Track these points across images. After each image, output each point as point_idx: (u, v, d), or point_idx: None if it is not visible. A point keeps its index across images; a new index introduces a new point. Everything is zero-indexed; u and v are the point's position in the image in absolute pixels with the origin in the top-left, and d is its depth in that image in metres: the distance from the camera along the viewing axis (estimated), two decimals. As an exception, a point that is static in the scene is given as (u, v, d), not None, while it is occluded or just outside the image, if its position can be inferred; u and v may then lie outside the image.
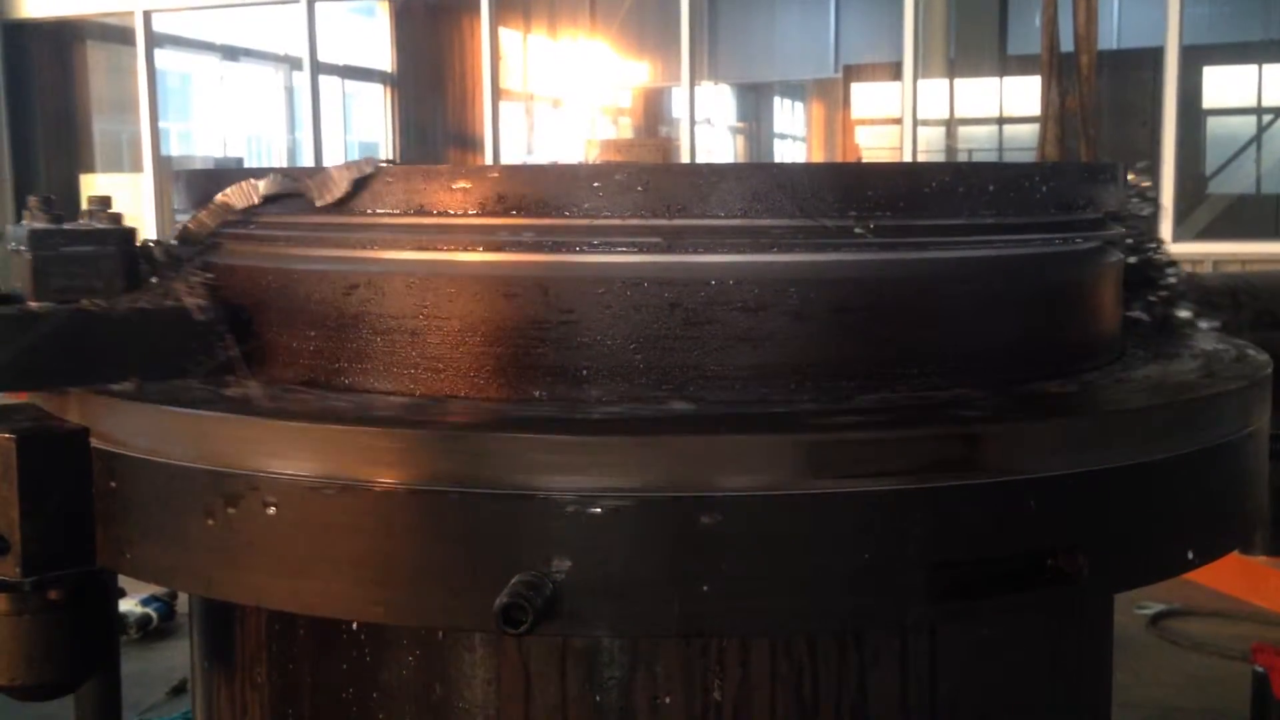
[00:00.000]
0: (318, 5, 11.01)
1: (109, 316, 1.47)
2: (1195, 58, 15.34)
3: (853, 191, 1.40)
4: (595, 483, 1.23)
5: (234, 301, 1.53)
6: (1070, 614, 1.60)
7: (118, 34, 12.14)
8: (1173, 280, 1.90)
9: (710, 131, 21.15)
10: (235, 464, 1.32)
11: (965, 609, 1.35)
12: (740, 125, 24.48)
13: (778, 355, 1.38)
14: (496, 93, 10.53)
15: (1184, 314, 1.89)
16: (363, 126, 16.60)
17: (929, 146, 14.70)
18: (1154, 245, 1.92)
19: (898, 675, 1.43)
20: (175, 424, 1.39)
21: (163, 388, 1.45)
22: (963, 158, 16.29)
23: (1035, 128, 9.71)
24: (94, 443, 1.44)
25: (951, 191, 1.45)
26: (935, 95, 14.41)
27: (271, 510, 1.30)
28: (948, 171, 1.47)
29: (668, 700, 1.39)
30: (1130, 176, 1.92)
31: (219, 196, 1.54)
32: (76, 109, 12.57)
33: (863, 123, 19.96)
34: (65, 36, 12.43)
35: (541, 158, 16.49)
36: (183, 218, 1.66)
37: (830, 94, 21.58)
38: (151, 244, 1.66)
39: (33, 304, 1.48)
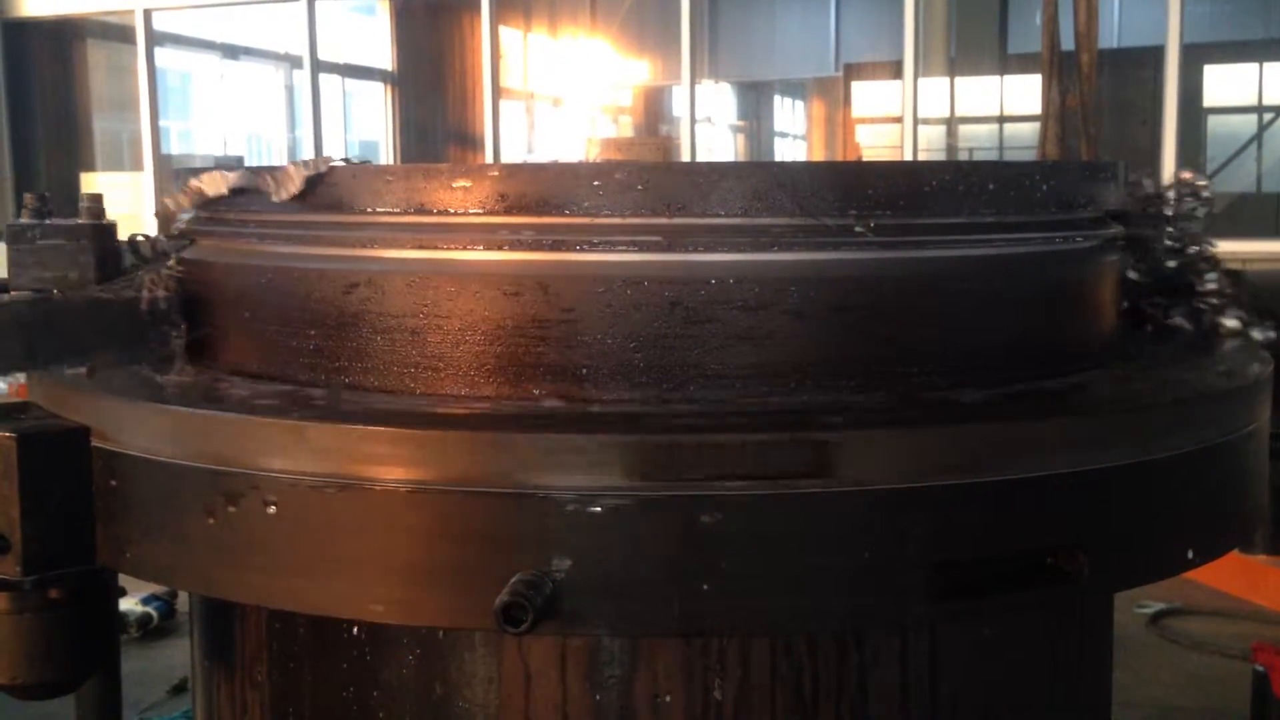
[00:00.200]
0: (318, 4, 11.01)
1: (66, 305, 1.57)
2: (1196, 56, 15.34)
3: (853, 190, 1.41)
4: (595, 482, 1.23)
5: (192, 293, 1.60)
6: (1070, 613, 1.60)
7: (118, 32, 12.13)
8: (1213, 286, 1.80)
9: (711, 130, 21.14)
10: (235, 463, 1.33)
11: (965, 608, 1.35)
12: (741, 124, 24.47)
13: (778, 354, 1.38)
14: (497, 91, 10.53)
15: (1231, 323, 1.79)
16: (363, 125, 16.60)
17: (930, 145, 14.70)
18: (1199, 248, 1.81)
19: (898, 674, 1.43)
20: (176, 423, 1.39)
21: (113, 374, 1.52)
22: (963, 156, 16.29)
23: (1036, 126, 9.70)
24: (94, 442, 1.44)
25: (951, 190, 1.45)
26: (936, 94, 14.40)
27: (272, 509, 1.30)
28: (948, 170, 1.47)
29: (668, 699, 1.39)
30: (1185, 175, 1.85)
31: (193, 181, 1.60)
32: (77, 107, 12.57)
33: (863, 121, 19.96)
34: (66, 35, 12.43)
35: (542, 156, 16.48)
36: (185, 216, 1.70)
37: (831, 92, 21.58)
38: (140, 239, 1.73)
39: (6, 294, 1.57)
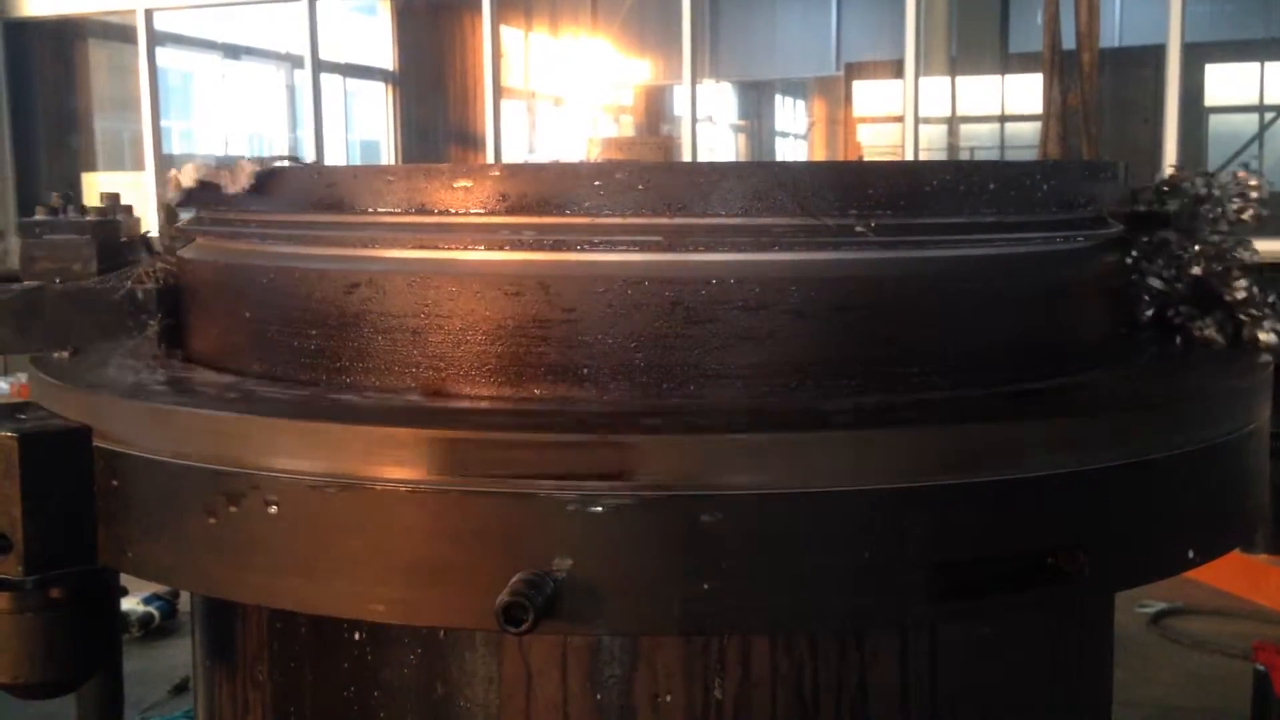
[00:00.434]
0: (319, 3, 11.01)
1: (54, 294, 1.72)
2: (1197, 55, 15.32)
3: (853, 190, 1.41)
4: (596, 481, 1.23)
5: (192, 292, 1.68)
6: (1070, 613, 1.60)
7: (119, 32, 12.13)
8: (1243, 295, 1.68)
9: (712, 129, 21.13)
10: (237, 463, 1.33)
11: (965, 608, 1.35)
12: (742, 123, 24.46)
13: (778, 354, 1.38)
14: (498, 91, 10.53)
15: (1268, 337, 1.67)
16: (364, 125, 16.59)
17: (931, 145, 14.69)
18: (1229, 252, 1.69)
19: (898, 674, 1.43)
20: (176, 423, 1.39)
21: (113, 373, 1.59)
22: (965, 156, 16.28)
23: (1037, 125, 9.69)
24: (96, 442, 1.44)
25: (952, 190, 1.45)
26: (937, 93, 14.39)
27: (273, 509, 1.31)
28: (948, 170, 1.47)
29: (668, 698, 1.39)
30: (1240, 174, 1.77)
31: (171, 172, 1.68)
32: (78, 107, 12.56)
33: (864, 120, 19.95)
34: (67, 35, 12.42)
35: (543, 156, 16.48)
36: (185, 215, 1.73)
37: (832, 92, 21.56)
38: (154, 235, 1.88)
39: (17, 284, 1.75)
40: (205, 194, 1.63)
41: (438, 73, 16.33)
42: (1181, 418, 1.44)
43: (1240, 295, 1.67)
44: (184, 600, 5.01)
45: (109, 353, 1.73)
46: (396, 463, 1.26)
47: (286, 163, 1.59)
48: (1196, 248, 1.70)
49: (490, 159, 10.34)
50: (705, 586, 1.23)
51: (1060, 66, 8.64)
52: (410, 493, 1.26)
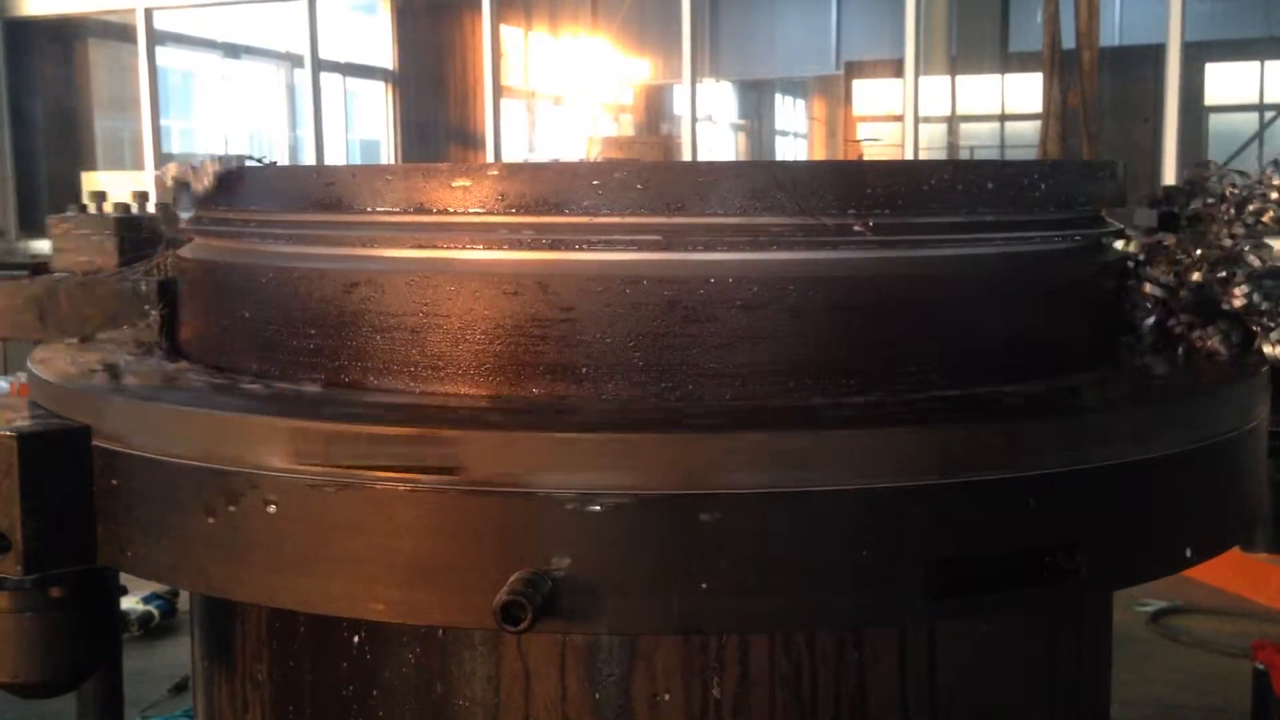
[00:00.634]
0: (319, 3, 11.00)
1: (71, 285, 1.87)
2: (1197, 54, 15.32)
3: (852, 189, 1.41)
4: (595, 480, 1.23)
5: (192, 292, 1.73)
6: (1069, 611, 1.60)
7: (119, 31, 12.12)
8: (1241, 301, 1.57)
9: (712, 129, 21.12)
10: (236, 462, 1.33)
11: (963, 606, 1.35)
12: (742, 122, 24.45)
13: (776, 353, 1.38)
14: (498, 90, 10.51)
15: (1273, 350, 1.58)
16: (364, 124, 16.58)
17: (930, 144, 14.67)
18: (1247, 259, 1.58)
19: (896, 672, 1.43)
20: (176, 422, 1.39)
21: (113, 372, 1.62)
22: (965, 155, 16.27)
23: (1037, 124, 9.70)
24: (95, 441, 1.44)
25: (950, 189, 1.45)
26: (937, 92, 14.38)
27: (272, 508, 1.31)
28: (946, 169, 1.47)
29: (667, 697, 1.39)
30: (1267, 172, 1.67)
31: (156, 173, 1.78)
32: (78, 106, 12.55)
33: (864, 119, 19.94)
34: (67, 34, 12.41)
35: (543, 155, 16.48)
36: (185, 214, 1.74)
37: (832, 91, 21.56)
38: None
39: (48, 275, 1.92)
40: (244, 200, 1.66)
41: (438, 72, 16.32)
42: (1179, 416, 1.44)
43: (1239, 303, 1.57)
44: (184, 599, 5.00)
45: (111, 349, 1.75)
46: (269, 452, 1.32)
47: (249, 162, 1.65)
48: (1198, 251, 1.60)
49: (490, 158, 10.34)
50: (703, 586, 1.23)
51: (1060, 65, 8.64)
52: (409, 491, 1.26)
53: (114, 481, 1.42)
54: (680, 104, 13.40)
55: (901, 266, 1.42)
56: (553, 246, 1.39)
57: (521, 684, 1.40)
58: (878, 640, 1.41)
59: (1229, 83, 18.30)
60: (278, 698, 1.55)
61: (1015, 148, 17.34)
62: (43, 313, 1.87)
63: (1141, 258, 1.66)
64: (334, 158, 14.09)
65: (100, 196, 2.10)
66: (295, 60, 13.08)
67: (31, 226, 11.42)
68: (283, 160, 15.61)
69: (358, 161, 16.58)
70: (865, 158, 15.78)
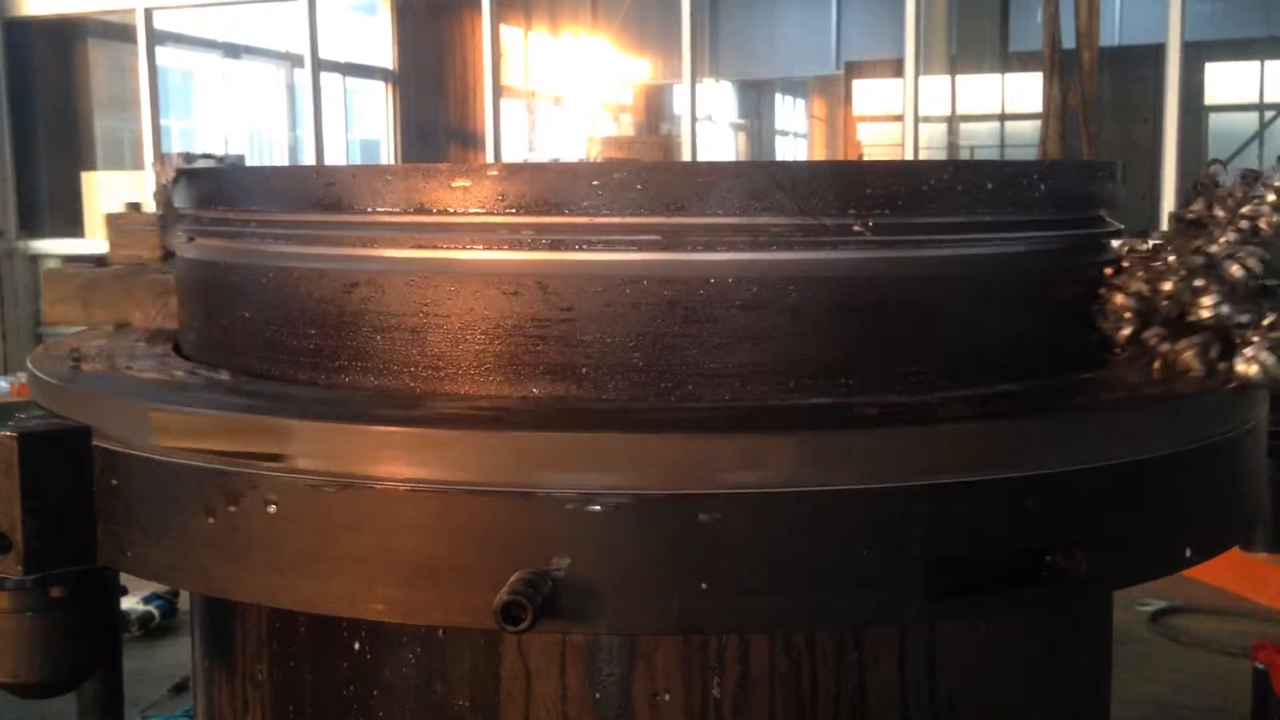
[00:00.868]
0: (319, 3, 11.00)
1: (109, 275, 2.04)
2: (1197, 54, 15.33)
3: (851, 189, 1.41)
4: (595, 480, 1.23)
5: (193, 292, 1.76)
6: (1069, 611, 1.60)
7: (119, 31, 12.11)
8: (1209, 313, 1.42)
9: (712, 129, 21.13)
10: (236, 462, 1.33)
11: (963, 606, 1.35)
12: (742, 122, 24.46)
13: (776, 353, 1.38)
14: (498, 90, 10.51)
15: (1246, 368, 1.40)
16: (364, 124, 16.59)
17: (930, 143, 14.68)
18: (1226, 268, 1.42)
19: (897, 672, 1.43)
20: (176, 423, 1.39)
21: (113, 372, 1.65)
22: (965, 154, 16.28)
23: (1037, 124, 9.70)
24: (95, 441, 1.44)
25: (949, 189, 1.45)
26: (937, 92, 14.39)
27: (272, 508, 1.31)
28: (945, 169, 1.47)
29: (667, 697, 1.39)
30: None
31: (156, 167, 1.95)
32: (78, 106, 12.55)
33: (864, 119, 19.95)
34: (66, 34, 12.40)
35: (543, 155, 16.47)
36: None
37: (832, 91, 21.56)
38: None
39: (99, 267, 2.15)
40: (243, 200, 1.67)
41: (438, 72, 16.33)
42: (1179, 416, 1.44)
43: (1205, 314, 1.42)
44: (184, 599, 5.00)
45: (112, 349, 1.75)
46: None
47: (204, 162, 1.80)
48: (1172, 258, 1.47)
49: (490, 158, 10.34)
50: (703, 586, 1.23)
51: (1060, 65, 8.65)
52: (410, 492, 1.26)
53: (114, 481, 1.43)
54: (680, 104, 13.41)
55: (902, 267, 1.42)
56: (552, 247, 1.40)
57: (522, 684, 1.41)
58: (878, 640, 1.42)
59: (1229, 83, 18.31)
60: (278, 698, 1.55)
61: (1015, 148, 17.35)
62: (86, 303, 2.04)
63: (1114, 265, 1.55)
64: (334, 158, 14.09)
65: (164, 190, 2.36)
66: (295, 60, 13.08)
67: (31, 226, 11.42)
68: (283, 160, 15.62)
69: (358, 161, 16.59)
70: (865, 158, 15.78)
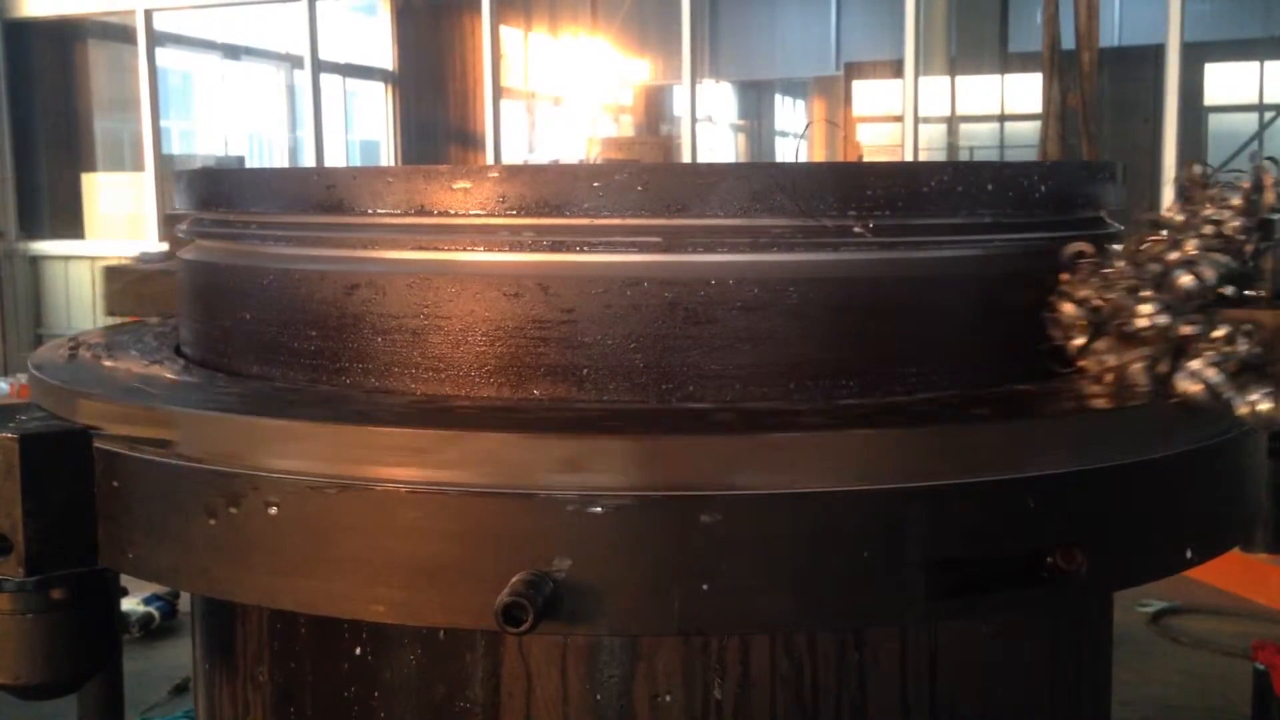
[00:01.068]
0: (319, 4, 11.00)
1: (157, 271, 2.35)
2: (1196, 55, 15.32)
3: (852, 191, 1.41)
4: (596, 481, 1.23)
5: (194, 293, 1.77)
6: (1070, 612, 1.60)
7: (119, 32, 12.11)
8: (1142, 324, 1.35)
9: (712, 129, 21.13)
10: (236, 463, 1.33)
11: (964, 607, 1.35)
12: (742, 123, 24.46)
13: (777, 354, 1.38)
14: (498, 91, 10.51)
15: (1187, 385, 1.33)
16: (364, 125, 16.59)
17: (930, 144, 14.68)
18: (1178, 278, 1.34)
19: (897, 673, 1.43)
20: (176, 424, 1.39)
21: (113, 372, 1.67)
22: (964, 155, 16.27)
23: (1037, 125, 9.69)
24: (96, 442, 1.44)
25: (950, 190, 1.45)
26: (937, 93, 14.38)
27: (273, 510, 1.31)
28: (945, 171, 1.47)
29: (668, 698, 1.39)
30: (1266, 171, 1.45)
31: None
32: (78, 107, 12.55)
33: (864, 120, 19.94)
34: (66, 35, 12.41)
35: (543, 156, 16.47)
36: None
37: (831, 91, 21.56)
38: None
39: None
40: (244, 202, 1.68)
41: (438, 73, 16.32)
42: (1180, 417, 1.44)
43: (1141, 324, 1.34)
44: (184, 600, 5.01)
45: (113, 350, 1.75)
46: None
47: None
48: (1121, 263, 1.40)
49: (490, 159, 10.34)
50: (705, 587, 1.23)
51: (1060, 66, 8.64)
52: (410, 493, 1.26)
53: (115, 483, 1.43)
54: (680, 105, 13.41)
55: (902, 268, 1.43)
56: (553, 248, 1.40)
57: (523, 685, 1.41)
58: (878, 641, 1.42)
59: (1228, 83, 18.30)
60: (279, 699, 1.55)
61: (1015, 148, 17.34)
62: (139, 295, 2.31)
63: (1067, 271, 1.46)
64: (334, 159, 14.09)
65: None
66: (295, 61, 13.08)
67: (31, 227, 11.42)
68: (283, 161, 15.61)
69: (358, 162, 16.59)
70: (865, 158, 15.79)
